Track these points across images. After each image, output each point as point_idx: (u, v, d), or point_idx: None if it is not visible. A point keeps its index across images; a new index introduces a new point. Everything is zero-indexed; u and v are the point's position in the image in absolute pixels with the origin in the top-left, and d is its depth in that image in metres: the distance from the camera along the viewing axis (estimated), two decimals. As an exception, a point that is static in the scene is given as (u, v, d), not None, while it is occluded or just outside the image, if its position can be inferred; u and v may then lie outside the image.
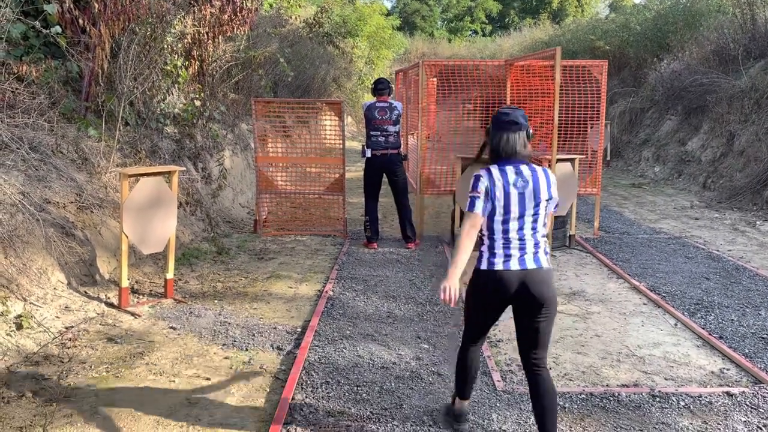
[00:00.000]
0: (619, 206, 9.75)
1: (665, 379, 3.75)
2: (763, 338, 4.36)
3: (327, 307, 4.86)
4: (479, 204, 2.74)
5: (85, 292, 4.68)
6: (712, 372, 3.85)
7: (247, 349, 4.06)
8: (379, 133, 6.69)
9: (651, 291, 5.38)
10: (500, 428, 3.13)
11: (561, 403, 3.40)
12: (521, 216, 2.75)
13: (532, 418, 3.22)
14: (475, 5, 41.60)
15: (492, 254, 2.78)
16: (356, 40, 19.85)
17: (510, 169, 2.77)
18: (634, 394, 3.52)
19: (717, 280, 5.76)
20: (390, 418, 3.21)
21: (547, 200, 2.79)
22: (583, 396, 3.49)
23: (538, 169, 2.80)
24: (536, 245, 2.79)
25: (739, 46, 11.75)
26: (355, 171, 13.38)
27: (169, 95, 7.32)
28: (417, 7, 41.43)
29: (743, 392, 3.54)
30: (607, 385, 3.64)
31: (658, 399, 3.46)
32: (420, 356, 3.98)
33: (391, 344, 4.16)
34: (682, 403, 3.42)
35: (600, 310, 4.97)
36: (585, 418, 3.25)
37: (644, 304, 5.13)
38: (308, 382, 3.59)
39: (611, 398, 3.47)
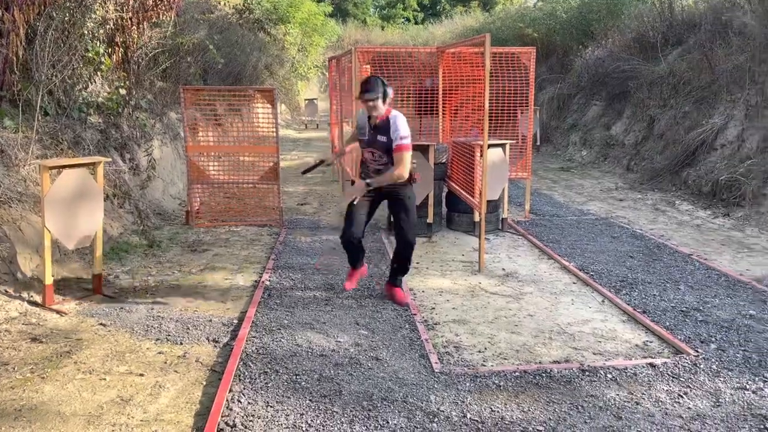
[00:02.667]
0: (549, 189, 10.05)
1: (594, 354, 3.91)
2: (682, 311, 4.60)
3: (264, 298, 4.81)
4: None
5: (6, 290, 4.45)
6: (637, 345, 4.04)
7: (181, 343, 3.97)
8: None
9: (580, 270, 5.58)
10: (438, 409, 3.19)
11: (496, 381, 3.49)
12: None
13: (470, 398, 3.31)
14: (408, -7, 41.62)
15: None
16: (288, 27, 19.56)
17: None
18: (565, 369, 3.65)
19: (640, 257, 6.04)
20: (330, 405, 3.21)
21: None
22: (518, 374, 3.59)
23: None
24: None
25: (658, 34, 12.28)
26: (290, 160, 13.23)
27: (91, 83, 7.01)
28: (349, -6, 41.08)
29: (665, 363, 3.74)
30: (539, 362, 3.77)
31: (587, 373, 3.61)
32: (359, 342, 4.00)
33: (330, 332, 4.16)
34: (609, 376, 3.58)
35: (532, 290, 5.12)
36: (519, 395, 3.36)
37: (573, 283, 5.33)
38: (246, 373, 3.55)
39: (544, 374, 3.59)
